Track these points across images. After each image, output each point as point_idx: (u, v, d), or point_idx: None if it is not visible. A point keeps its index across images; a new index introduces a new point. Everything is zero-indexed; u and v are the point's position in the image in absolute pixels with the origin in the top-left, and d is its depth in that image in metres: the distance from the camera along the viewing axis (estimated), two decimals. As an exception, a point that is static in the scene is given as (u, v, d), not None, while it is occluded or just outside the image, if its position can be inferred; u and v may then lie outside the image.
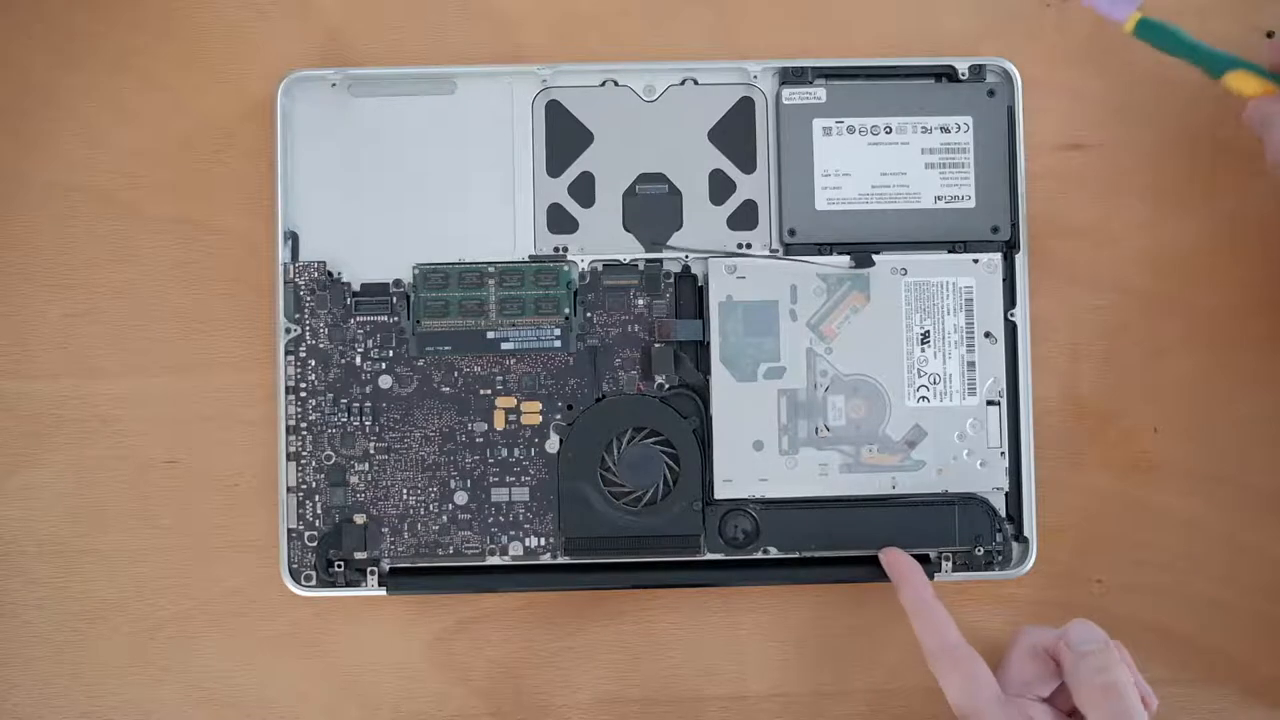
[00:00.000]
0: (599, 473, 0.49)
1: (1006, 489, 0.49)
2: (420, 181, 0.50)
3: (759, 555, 0.49)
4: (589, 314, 0.50)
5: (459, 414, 0.49)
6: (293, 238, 0.50)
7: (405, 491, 0.49)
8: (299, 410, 0.49)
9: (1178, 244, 0.52)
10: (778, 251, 0.50)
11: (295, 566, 0.49)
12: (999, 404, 0.49)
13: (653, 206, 0.50)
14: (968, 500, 0.49)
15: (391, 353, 0.49)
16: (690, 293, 0.50)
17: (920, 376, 0.49)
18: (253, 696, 0.51)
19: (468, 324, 0.49)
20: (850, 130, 0.50)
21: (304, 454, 0.49)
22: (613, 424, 0.49)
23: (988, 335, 0.49)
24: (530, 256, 0.50)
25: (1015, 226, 0.50)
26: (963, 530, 0.49)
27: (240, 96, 0.51)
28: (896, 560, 0.48)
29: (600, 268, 0.50)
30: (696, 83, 0.50)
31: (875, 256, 0.49)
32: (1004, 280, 0.50)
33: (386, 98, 0.50)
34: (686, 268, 0.50)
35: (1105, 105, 0.52)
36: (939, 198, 0.50)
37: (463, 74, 0.50)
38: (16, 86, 0.51)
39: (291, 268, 0.49)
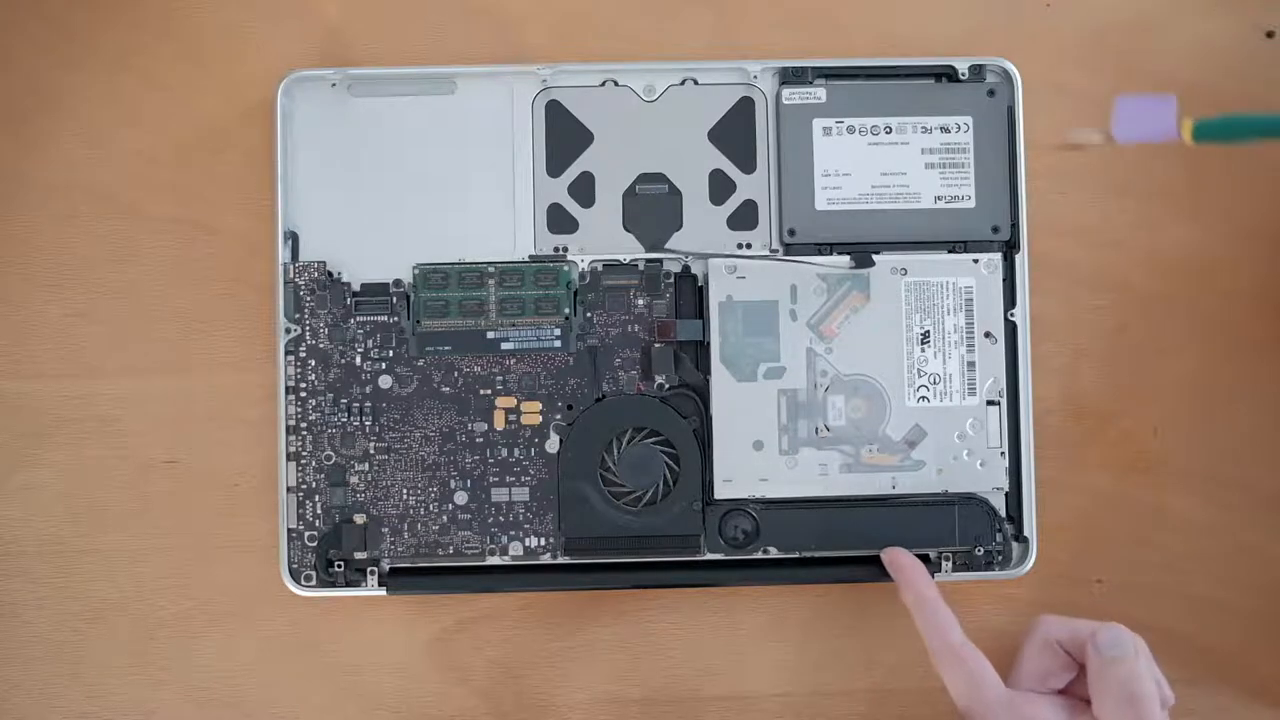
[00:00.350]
0: (599, 473, 0.49)
1: (1006, 489, 0.49)
2: (420, 181, 0.50)
3: (759, 555, 0.49)
4: (589, 314, 0.50)
5: (459, 414, 0.49)
6: (293, 238, 0.50)
7: (405, 491, 0.49)
8: (299, 410, 0.49)
9: (1178, 244, 0.52)
10: (778, 251, 0.50)
11: (295, 566, 0.49)
12: (999, 404, 0.49)
13: (653, 206, 0.50)
14: (968, 500, 0.49)
15: (391, 353, 0.49)
16: (690, 293, 0.50)
17: (920, 376, 0.49)
18: (253, 696, 0.51)
19: (468, 324, 0.49)
20: (850, 130, 0.50)
21: (304, 454, 0.49)
22: (613, 424, 0.49)
23: (988, 335, 0.49)
24: (530, 256, 0.50)
25: (1015, 226, 0.50)
26: (963, 530, 0.49)
27: (240, 96, 0.51)
28: (899, 559, 0.48)
29: (600, 268, 0.50)
30: (696, 83, 0.50)
31: (875, 256, 0.49)
32: (1004, 280, 0.50)
33: (386, 98, 0.50)
34: (686, 268, 0.50)
35: (1105, 105, 0.52)
36: (939, 198, 0.50)
37: (463, 74, 0.50)
38: (16, 86, 0.51)
39: (291, 268, 0.49)
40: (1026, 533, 0.49)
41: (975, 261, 0.49)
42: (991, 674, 0.45)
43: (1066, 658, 0.46)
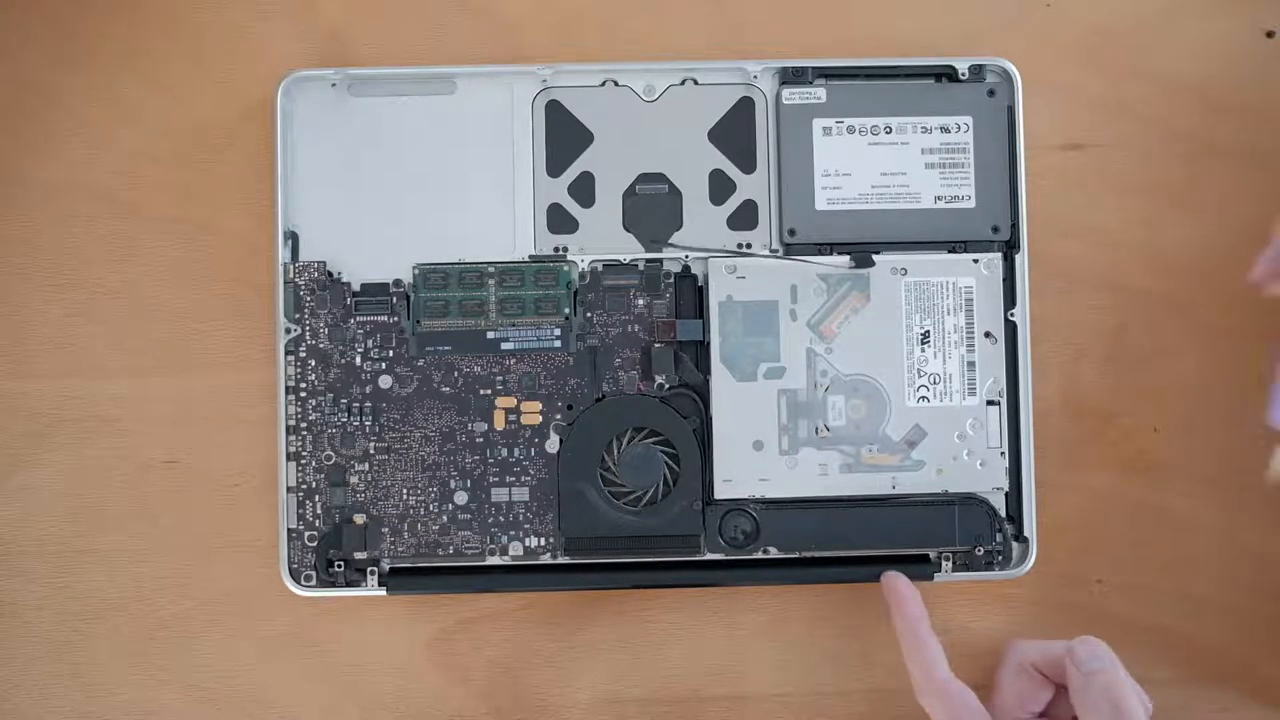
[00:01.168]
0: (599, 473, 0.49)
1: (1006, 489, 0.49)
2: (420, 181, 0.50)
3: (759, 555, 0.49)
4: (589, 314, 0.50)
5: (459, 414, 0.49)
6: (293, 238, 0.50)
7: (405, 491, 0.49)
8: (299, 410, 0.49)
9: (1177, 244, 0.52)
10: (778, 251, 0.50)
11: (295, 566, 0.49)
12: (999, 404, 0.49)
13: (653, 206, 0.50)
14: (968, 500, 0.49)
15: (391, 353, 0.49)
16: (690, 293, 0.50)
17: (920, 376, 0.49)
18: (253, 696, 0.51)
19: (468, 324, 0.49)
20: (850, 130, 0.50)
21: (304, 454, 0.49)
22: (613, 424, 0.49)
23: (988, 335, 0.49)
24: (530, 256, 0.50)
25: (1015, 226, 0.50)
26: (963, 530, 0.49)
27: (240, 96, 0.51)
28: (896, 585, 0.48)
29: (600, 268, 0.50)
30: (696, 83, 0.50)
31: (875, 256, 0.49)
32: (1004, 280, 0.50)
33: (386, 98, 0.50)
34: (686, 268, 0.50)
35: (1105, 105, 0.52)
36: (939, 198, 0.50)
37: (463, 74, 0.50)
38: (17, 86, 0.51)
39: (291, 268, 0.49)
40: (1026, 533, 0.49)
41: (975, 261, 0.49)
42: (977, 707, 0.45)
43: (1043, 679, 0.47)
